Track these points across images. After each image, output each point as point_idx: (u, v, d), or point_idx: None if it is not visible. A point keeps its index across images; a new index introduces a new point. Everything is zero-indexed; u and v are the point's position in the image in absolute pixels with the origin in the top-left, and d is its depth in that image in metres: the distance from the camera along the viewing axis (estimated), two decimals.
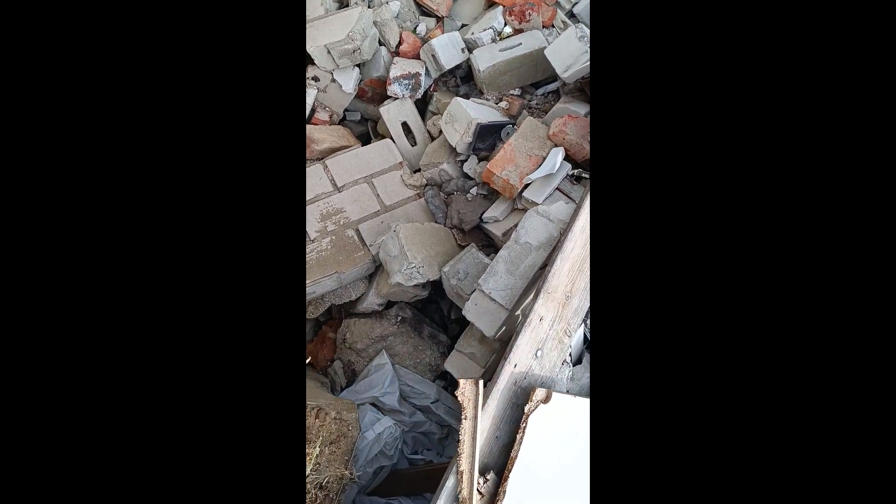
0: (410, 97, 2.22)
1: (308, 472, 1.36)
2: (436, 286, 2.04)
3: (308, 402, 1.52)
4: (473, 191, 1.98)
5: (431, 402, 1.99)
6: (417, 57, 2.27)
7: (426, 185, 2.09)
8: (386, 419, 1.82)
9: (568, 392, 1.49)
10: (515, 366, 1.43)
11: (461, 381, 1.33)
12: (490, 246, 1.95)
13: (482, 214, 1.91)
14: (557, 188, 1.80)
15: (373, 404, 1.91)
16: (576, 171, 1.83)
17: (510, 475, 1.34)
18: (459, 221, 1.93)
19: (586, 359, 1.70)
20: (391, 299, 2.01)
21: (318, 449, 1.40)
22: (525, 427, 1.36)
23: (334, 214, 1.99)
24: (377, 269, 2.02)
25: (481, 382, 1.35)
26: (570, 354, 1.59)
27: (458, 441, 1.33)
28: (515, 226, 1.74)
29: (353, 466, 1.57)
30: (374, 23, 2.21)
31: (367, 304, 2.03)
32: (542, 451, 1.38)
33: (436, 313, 2.17)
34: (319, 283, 1.89)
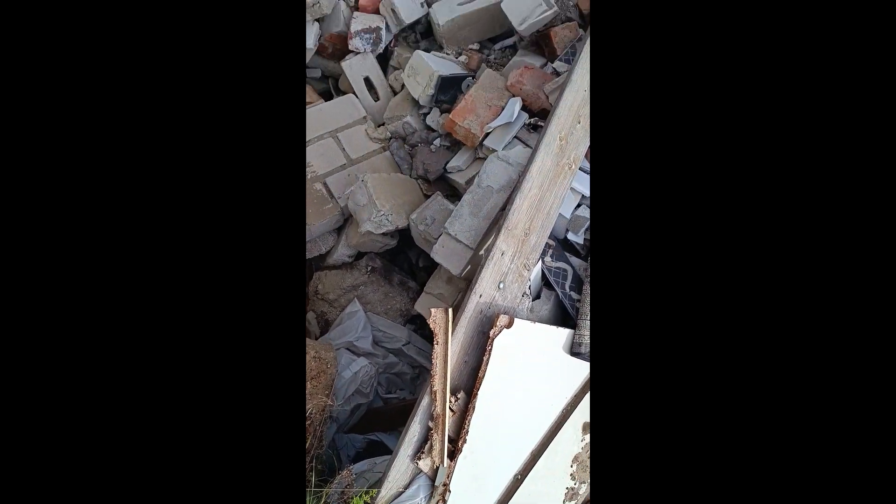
0: (372, 52, 2.25)
1: None
2: (403, 237, 2.13)
3: None
4: (437, 142, 2.06)
5: (403, 345, 2.11)
6: (377, 12, 2.29)
7: (391, 137, 2.15)
8: (361, 359, 1.93)
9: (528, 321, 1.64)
10: (480, 296, 1.56)
11: (432, 310, 1.45)
12: (454, 195, 2.05)
13: (446, 164, 2.00)
14: (516, 136, 1.91)
15: (347, 349, 2.01)
16: (532, 119, 1.94)
17: (478, 393, 1.49)
18: (424, 171, 2.01)
19: (544, 293, 1.86)
20: (361, 250, 2.09)
21: None
22: (490, 350, 1.51)
23: None
24: (346, 223, 2.09)
25: (451, 310, 1.47)
26: (530, 288, 1.74)
27: (432, 364, 1.45)
28: (478, 173, 1.85)
29: (334, 399, 1.68)
30: None
31: (338, 257, 2.10)
32: (506, 372, 1.53)
33: (405, 262, 2.27)
34: None
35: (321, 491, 1.30)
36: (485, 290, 1.56)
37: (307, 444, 1.51)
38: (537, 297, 1.83)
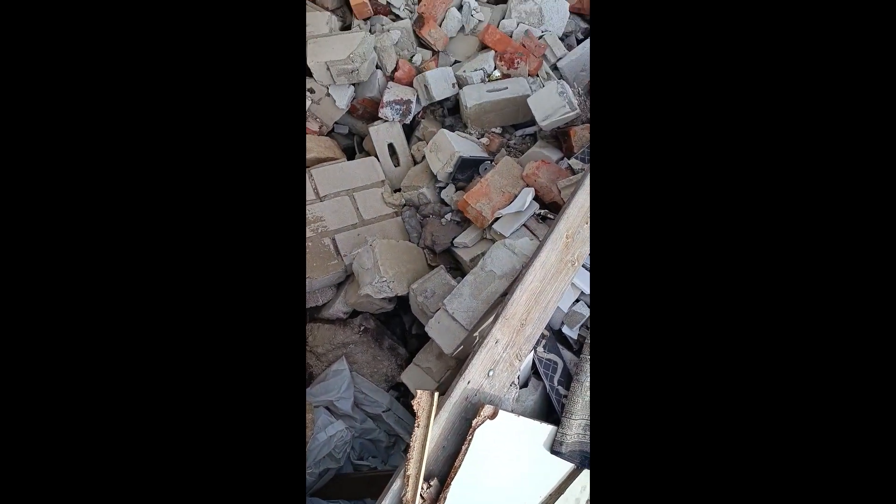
0: (399, 121, 2.36)
1: None
2: (401, 301, 2.14)
3: None
4: (448, 216, 2.12)
5: (383, 411, 2.07)
6: (410, 84, 2.42)
7: (405, 204, 2.22)
8: (338, 423, 1.89)
9: (513, 412, 1.63)
10: (469, 382, 1.55)
11: (418, 392, 1.44)
12: (457, 269, 2.09)
13: (453, 239, 2.05)
14: (524, 225, 1.97)
15: (327, 408, 1.98)
16: (542, 211, 2.00)
17: (452, 483, 1.45)
18: (432, 243, 2.06)
19: (532, 383, 1.85)
20: (357, 309, 2.10)
21: None
22: (471, 440, 1.48)
23: (313, 222, 2.08)
24: (347, 279, 2.12)
25: (436, 394, 1.47)
26: (518, 377, 1.74)
27: (409, 447, 1.43)
28: (483, 254, 1.89)
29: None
30: (374, 48, 2.35)
31: (333, 311, 2.11)
32: (485, 464, 1.50)
33: (398, 327, 2.27)
34: None
35: None
36: (474, 376, 1.56)
37: None
38: (525, 385, 1.82)
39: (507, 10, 2.58)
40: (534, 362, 1.86)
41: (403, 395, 2.16)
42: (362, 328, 2.13)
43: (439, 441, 1.50)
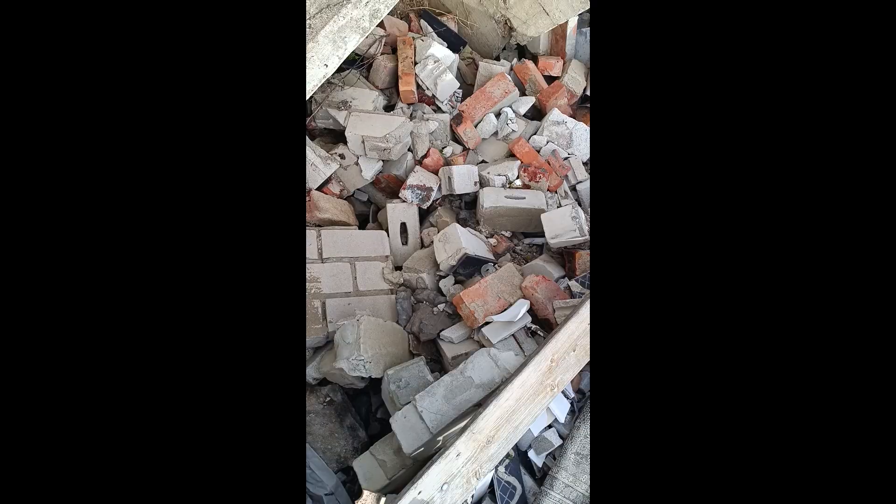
0: (417, 204, 2.44)
1: None
2: (373, 381, 2.09)
3: None
4: (441, 307, 2.13)
5: (326, 494, 1.95)
6: (436, 173, 2.53)
7: (402, 284, 2.23)
8: None
9: None
10: (420, 492, 1.47)
11: (365, 492, 1.37)
12: (437, 362, 2.06)
13: (441, 331, 2.04)
14: (513, 335, 1.96)
15: None
16: (533, 326, 2.01)
17: None
18: (419, 330, 2.05)
19: (487, 501, 1.75)
20: (328, 378, 2.05)
21: None
22: None
23: (309, 282, 2.09)
24: (326, 345, 2.08)
25: (383, 499, 1.39)
26: (473, 496, 1.65)
27: None
28: (466, 354, 1.87)
29: None
30: (411, 133, 2.49)
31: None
32: None
33: (363, 406, 2.19)
34: None
35: None
36: (427, 486, 1.49)
37: None
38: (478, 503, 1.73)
39: (540, 128, 2.75)
40: (492, 482, 1.77)
41: (351, 482, 2.04)
42: (328, 399, 2.06)
43: None
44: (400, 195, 2.42)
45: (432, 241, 2.30)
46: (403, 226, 2.41)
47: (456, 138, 2.69)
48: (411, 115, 2.60)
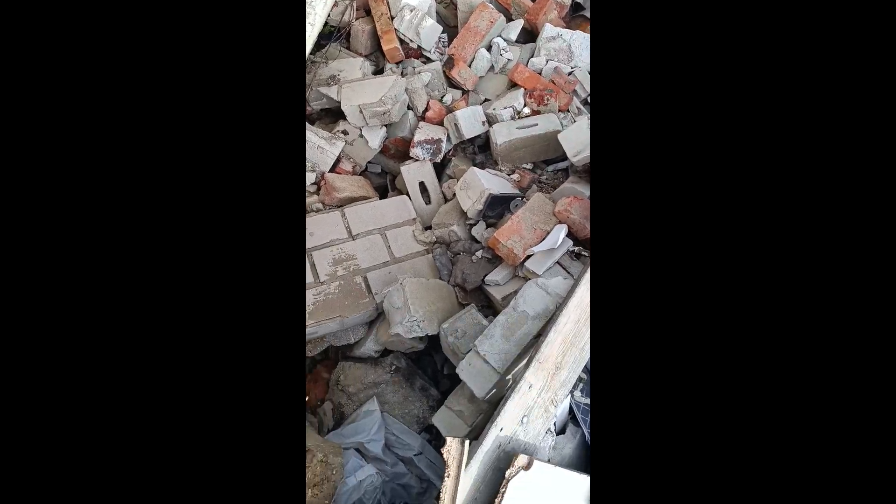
0: (430, 160, 2.39)
1: None
2: (432, 340, 2.11)
3: None
4: (479, 254, 2.10)
5: (414, 455, 2.01)
6: (441, 124, 2.46)
7: (435, 242, 2.22)
8: (368, 467, 1.84)
9: (549, 461, 1.54)
10: (501, 429, 1.49)
11: (448, 439, 1.39)
12: (489, 307, 2.05)
13: (485, 277, 2.02)
14: (557, 262, 1.92)
15: (357, 450, 1.94)
16: (576, 248, 1.95)
17: None
18: (463, 281, 2.03)
19: (570, 429, 1.76)
20: (388, 347, 2.08)
21: None
22: (504, 492, 1.41)
23: (345, 260, 2.10)
24: (378, 317, 2.11)
25: (467, 442, 1.41)
26: (555, 424, 1.65)
27: (439, 499, 1.37)
28: (515, 292, 1.84)
29: None
30: (406, 89, 2.42)
31: (365, 350, 2.10)
32: None
33: (429, 366, 2.23)
34: (322, 325, 1.97)
35: None
36: (507, 423, 1.50)
37: None
38: (562, 431, 1.73)
39: (535, 49, 2.60)
40: (571, 407, 1.77)
41: (435, 438, 2.10)
42: (394, 367, 2.10)
43: (471, 492, 1.43)
44: (411, 155, 2.38)
45: (454, 193, 2.25)
46: (422, 185, 2.37)
47: (452, 84, 2.59)
48: (402, 72, 2.52)
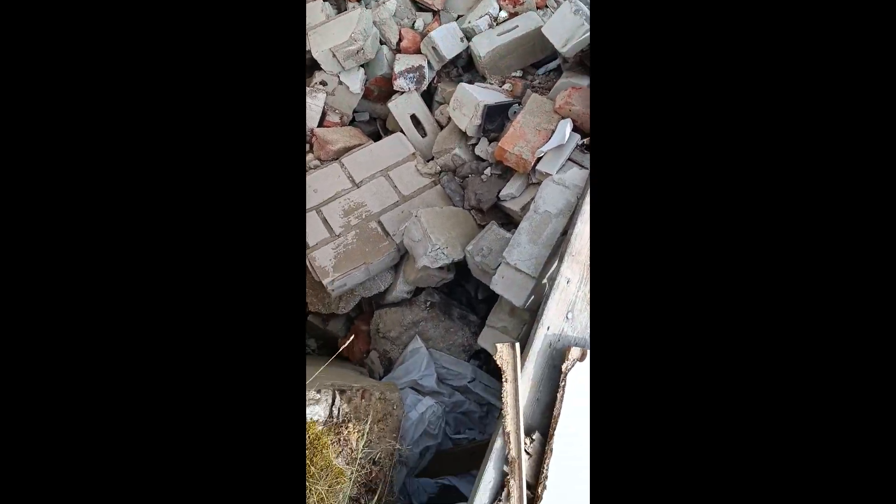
0: (416, 90, 2.28)
1: (361, 448, 1.42)
2: (460, 270, 2.09)
3: (352, 385, 1.58)
4: (487, 171, 2.03)
5: (468, 382, 2.03)
6: (419, 51, 2.33)
7: (441, 171, 2.15)
8: (427, 399, 1.87)
9: None
10: (548, 328, 1.47)
11: (498, 346, 1.38)
12: (509, 223, 2.00)
13: (499, 193, 1.96)
14: (569, 158, 1.84)
15: (412, 388, 1.97)
16: (585, 140, 1.87)
17: (555, 433, 1.38)
18: (477, 202, 1.98)
19: None
20: (419, 285, 2.07)
21: (368, 426, 1.45)
22: (564, 386, 1.41)
23: (356, 209, 2.06)
24: (402, 259, 2.08)
25: (517, 345, 1.40)
26: None
27: (502, 404, 1.37)
28: (532, 199, 1.79)
29: (402, 443, 1.63)
30: (374, 23, 2.29)
31: (396, 294, 2.09)
32: (584, 408, 1.42)
33: (463, 296, 2.22)
34: (349, 276, 1.95)
35: None
36: (552, 321, 1.48)
37: (378, 493, 1.46)
38: None
39: None
40: None
41: (485, 363, 2.11)
42: (428, 304, 2.10)
43: (532, 394, 1.43)
44: (395, 88, 2.28)
45: (449, 118, 2.16)
46: (415, 118, 2.28)
47: (421, 7, 2.44)
48: (366, 4, 2.37)
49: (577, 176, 1.66)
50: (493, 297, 1.95)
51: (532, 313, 1.77)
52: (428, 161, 2.19)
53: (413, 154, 2.18)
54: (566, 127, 1.82)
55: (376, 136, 2.49)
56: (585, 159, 1.86)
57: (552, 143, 1.81)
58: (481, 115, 1.97)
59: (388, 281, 2.11)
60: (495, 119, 2.02)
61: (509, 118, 2.03)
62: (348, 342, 1.99)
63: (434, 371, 1.99)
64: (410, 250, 1.92)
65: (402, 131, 2.26)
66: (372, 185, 2.11)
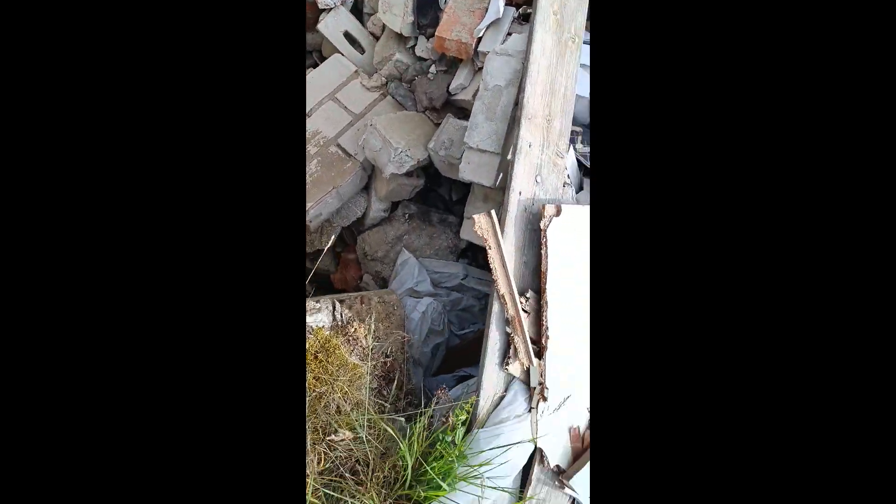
0: (342, 4, 2.19)
1: (370, 343, 1.49)
2: (430, 176, 2.10)
3: (350, 294, 1.63)
4: (433, 69, 2.00)
5: (462, 279, 2.10)
6: None
7: (387, 81, 2.11)
8: (426, 299, 1.94)
9: (578, 203, 1.58)
10: (520, 193, 1.51)
11: (474, 216, 1.42)
12: (465, 115, 2.00)
13: (448, 87, 1.94)
14: (509, 32, 1.81)
15: (410, 296, 2.03)
16: (520, 9, 1.83)
17: (547, 288, 1.46)
18: (430, 101, 1.96)
19: (587, 184, 1.78)
20: (393, 199, 2.09)
21: (373, 324, 1.52)
22: (546, 241, 1.47)
23: (312, 137, 2.04)
24: (371, 179, 2.09)
25: (493, 212, 1.44)
26: (569, 177, 1.67)
27: (491, 270, 1.44)
28: (481, 77, 1.77)
29: (411, 337, 1.70)
30: None
31: (374, 215, 2.11)
32: (569, 260, 1.49)
33: (438, 200, 2.24)
34: (323, 203, 1.96)
35: (423, 412, 1.33)
36: (523, 185, 1.52)
37: (396, 381, 1.54)
38: (580, 188, 1.76)
39: None
40: (578, 161, 1.78)
41: (473, 260, 2.17)
42: (407, 216, 2.12)
43: (518, 259, 1.49)
44: (320, 5, 2.18)
45: (384, 26, 2.10)
46: (348, 35, 2.21)
47: None
48: None
49: (520, 41, 1.65)
50: (467, 194, 1.98)
51: (504, 191, 1.81)
52: (372, 75, 2.15)
53: (356, 72, 2.13)
54: (499, 1, 1.78)
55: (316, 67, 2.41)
56: (525, 29, 1.83)
57: (488, 18, 1.78)
58: (413, 10, 1.91)
59: (363, 205, 2.12)
60: (427, 11, 1.97)
61: (441, 7, 1.97)
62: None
63: (427, 277, 2.05)
64: (375, 162, 1.92)
65: (339, 52, 2.19)
66: (322, 111, 2.08)
